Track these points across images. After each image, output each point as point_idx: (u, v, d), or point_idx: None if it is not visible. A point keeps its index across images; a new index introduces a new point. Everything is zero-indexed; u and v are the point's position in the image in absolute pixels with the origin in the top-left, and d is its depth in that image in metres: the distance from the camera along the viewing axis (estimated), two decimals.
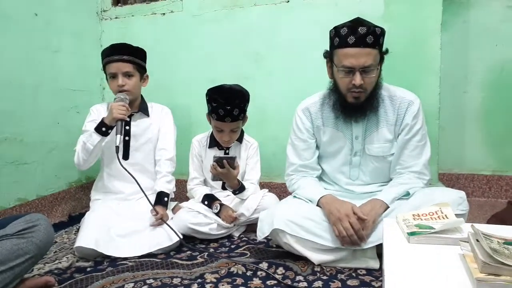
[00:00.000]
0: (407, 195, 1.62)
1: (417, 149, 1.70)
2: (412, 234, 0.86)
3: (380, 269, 1.57)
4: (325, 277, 1.53)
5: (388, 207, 1.59)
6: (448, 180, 2.42)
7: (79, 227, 1.94)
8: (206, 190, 2.07)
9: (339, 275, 1.55)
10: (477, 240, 0.74)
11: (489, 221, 1.94)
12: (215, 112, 1.94)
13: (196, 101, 2.44)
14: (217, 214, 1.95)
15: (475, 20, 2.34)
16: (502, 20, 2.30)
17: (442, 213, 0.99)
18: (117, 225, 1.84)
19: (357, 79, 1.56)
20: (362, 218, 1.53)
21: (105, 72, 2.03)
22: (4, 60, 2.06)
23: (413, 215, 0.98)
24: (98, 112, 2.03)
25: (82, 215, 2.05)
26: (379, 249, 1.57)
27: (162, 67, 2.48)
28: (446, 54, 2.17)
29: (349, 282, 1.49)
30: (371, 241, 1.57)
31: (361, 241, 1.55)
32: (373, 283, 1.47)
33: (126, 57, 1.96)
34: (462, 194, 1.58)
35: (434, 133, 2.09)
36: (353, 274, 1.55)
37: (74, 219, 2.33)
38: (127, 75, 1.97)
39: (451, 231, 0.87)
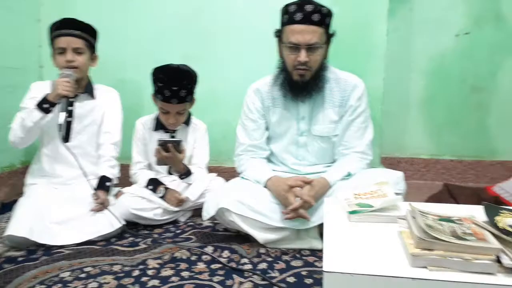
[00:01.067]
0: (348, 175, 1.66)
1: (360, 130, 1.75)
2: (352, 212, 0.87)
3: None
4: (269, 259, 1.53)
5: (331, 187, 1.63)
6: (390, 163, 2.50)
7: (11, 214, 1.81)
8: (151, 175, 2.00)
9: (283, 256, 1.56)
10: (414, 217, 0.75)
11: (426, 202, 2.05)
12: (161, 92, 1.87)
13: (143, 82, 2.32)
14: (163, 198, 1.89)
15: (420, 8, 2.41)
16: (445, 9, 2.39)
17: (381, 191, 1.01)
18: (54, 212, 1.72)
19: (302, 56, 1.59)
20: (306, 181, 1.58)
21: (52, 47, 1.88)
22: None
23: (354, 194, 1.00)
24: (39, 90, 1.88)
25: (15, 202, 1.90)
26: (322, 229, 1.61)
27: (107, 45, 2.32)
28: (392, 41, 2.23)
29: (293, 263, 1.50)
30: (314, 221, 1.60)
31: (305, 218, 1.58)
32: (316, 263, 1.49)
33: (77, 32, 1.85)
34: (400, 174, 1.65)
35: (378, 117, 2.15)
36: (297, 255, 1.56)
37: (7, 207, 2.15)
38: (77, 51, 1.85)
39: (390, 209, 0.88)
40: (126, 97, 2.12)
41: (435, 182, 2.44)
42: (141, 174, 2.01)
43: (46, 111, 1.77)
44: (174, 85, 1.84)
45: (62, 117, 1.73)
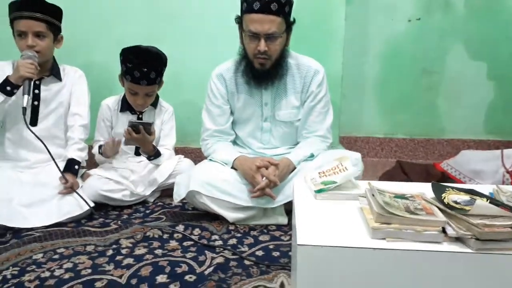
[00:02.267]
0: (311, 156, 1.77)
1: (321, 115, 1.84)
2: (318, 191, 0.96)
3: (289, 224, 1.71)
4: (239, 235, 1.62)
5: (295, 167, 1.73)
6: (348, 142, 2.65)
7: None
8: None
9: (251, 232, 1.65)
10: (373, 195, 0.86)
11: (380, 178, 2.21)
12: (130, 73, 1.87)
13: (108, 63, 2.30)
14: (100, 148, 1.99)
15: None
16: None
17: (342, 165, 1.11)
18: (21, 194, 1.71)
19: (262, 45, 1.63)
20: (274, 163, 1.66)
21: (12, 28, 1.80)
22: None
23: (319, 173, 1.09)
24: (1, 70, 1.80)
25: None
26: (287, 206, 1.72)
27: (72, 26, 2.22)
28: (349, 26, 2.32)
29: (261, 238, 1.60)
30: (280, 200, 1.70)
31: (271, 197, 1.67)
32: (282, 237, 1.60)
33: (39, 15, 1.75)
34: (358, 155, 1.79)
35: (337, 99, 2.26)
36: (264, 230, 1.67)
37: None
38: (39, 35, 1.78)
39: (351, 187, 0.99)
40: (90, 79, 2.08)
41: (388, 159, 2.62)
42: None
43: (9, 93, 1.72)
44: (144, 67, 1.84)
45: (25, 100, 1.68)
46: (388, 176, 2.25)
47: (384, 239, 0.76)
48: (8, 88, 1.71)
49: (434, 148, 2.64)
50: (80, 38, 2.33)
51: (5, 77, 1.72)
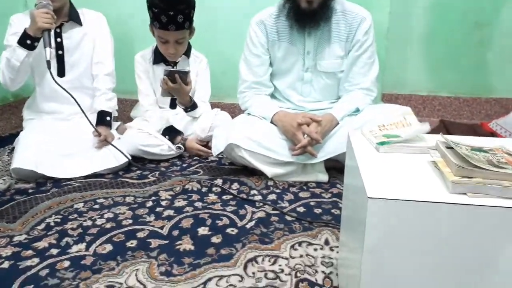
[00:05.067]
0: (356, 111, 1.67)
1: (366, 66, 1.72)
2: (381, 143, 0.87)
3: (329, 182, 1.65)
4: (278, 191, 1.58)
5: (338, 123, 1.64)
6: (388, 100, 2.51)
7: (13, 148, 1.78)
8: (163, 120, 1.93)
9: (291, 188, 1.60)
10: (448, 147, 0.77)
11: None
12: (157, 19, 1.77)
13: (136, 11, 2.21)
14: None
15: None
16: None
17: (405, 120, 1.02)
18: (58, 145, 1.70)
19: None
20: (316, 119, 1.58)
21: None
22: None
23: (379, 126, 1.00)
24: (20, 23, 1.73)
25: (13, 136, 1.87)
26: (326, 163, 1.65)
27: None
28: None
29: (301, 194, 1.55)
30: (321, 156, 1.62)
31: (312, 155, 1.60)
32: (323, 195, 1.55)
33: None
34: (408, 110, 1.66)
35: (382, 53, 2.12)
36: (304, 187, 1.61)
37: (5, 140, 2.11)
38: None
39: (417, 140, 0.90)
40: (116, 29, 2.01)
41: (431, 119, 2.48)
42: (153, 114, 1.94)
43: (30, 47, 1.66)
44: (171, 10, 1.74)
45: (48, 52, 1.61)
46: None
47: (465, 194, 0.68)
48: (28, 41, 1.65)
49: (480, 107, 2.48)
50: None
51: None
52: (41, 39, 1.65)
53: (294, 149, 1.59)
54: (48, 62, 1.62)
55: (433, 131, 2.20)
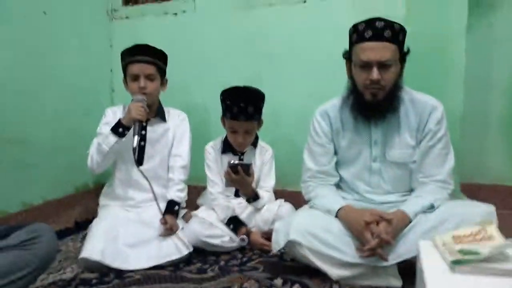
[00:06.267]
0: (431, 208, 1.53)
1: (440, 157, 1.61)
2: (456, 263, 0.76)
3: (403, 287, 1.47)
4: None
5: (411, 221, 1.50)
6: (468, 190, 2.29)
7: (85, 234, 1.86)
8: (229, 210, 1.93)
9: None
10: None
11: None
12: (229, 110, 1.88)
13: (208, 104, 2.37)
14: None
15: (500, 24, 2.23)
16: None
17: (486, 232, 0.88)
18: (125, 234, 1.75)
19: (374, 74, 1.50)
20: (386, 217, 1.46)
21: (124, 73, 1.95)
22: (11, 58, 2.00)
23: (453, 237, 0.88)
24: (114, 114, 1.95)
25: (89, 221, 1.97)
26: (400, 265, 1.50)
27: (174, 69, 2.37)
28: (470, 58, 2.07)
29: None
30: (393, 258, 1.48)
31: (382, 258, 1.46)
32: None
33: (149, 58, 1.88)
34: (492, 209, 1.49)
35: (457, 140, 1.98)
36: None
37: (81, 226, 2.24)
38: (149, 78, 1.89)
39: (502, 259, 0.77)
40: (191, 119, 2.14)
41: None
42: (220, 203, 1.95)
43: (121, 135, 1.82)
44: (242, 102, 1.86)
45: (135, 140, 1.77)
46: None
47: None
48: (120, 129, 1.81)
49: None
50: (184, 80, 2.45)
51: (116, 120, 1.83)
52: (131, 129, 1.81)
53: (362, 250, 1.47)
54: (134, 149, 1.77)
55: None
